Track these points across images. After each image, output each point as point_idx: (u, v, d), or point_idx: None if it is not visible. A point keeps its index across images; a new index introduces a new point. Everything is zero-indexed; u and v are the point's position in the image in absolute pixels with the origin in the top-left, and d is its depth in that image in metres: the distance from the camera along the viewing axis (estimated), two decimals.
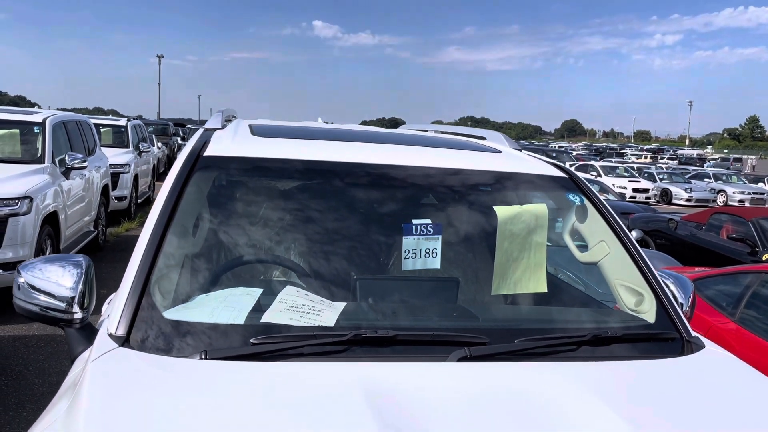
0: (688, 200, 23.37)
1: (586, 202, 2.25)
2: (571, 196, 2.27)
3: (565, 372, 1.59)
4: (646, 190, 24.07)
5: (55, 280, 1.82)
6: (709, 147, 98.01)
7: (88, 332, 1.85)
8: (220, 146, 2.15)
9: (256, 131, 2.45)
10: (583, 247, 2.26)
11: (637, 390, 1.59)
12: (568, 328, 1.88)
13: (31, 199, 5.72)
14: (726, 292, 4.31)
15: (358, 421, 1.27)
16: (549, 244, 2.11)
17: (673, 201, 23.64)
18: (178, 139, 26.82)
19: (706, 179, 26.60)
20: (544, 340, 1.72)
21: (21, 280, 1.84)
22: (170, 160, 21.70)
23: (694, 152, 65.81)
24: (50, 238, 6.29)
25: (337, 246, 2.06)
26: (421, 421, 1.30)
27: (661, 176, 25.93)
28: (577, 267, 3.38)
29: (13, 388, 4.28)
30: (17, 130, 6.84)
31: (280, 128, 2.67)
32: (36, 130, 6.88)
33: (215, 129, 2.43)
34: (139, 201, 12.20)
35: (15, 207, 5.56)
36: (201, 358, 1.51)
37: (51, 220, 6.28)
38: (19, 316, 5.64)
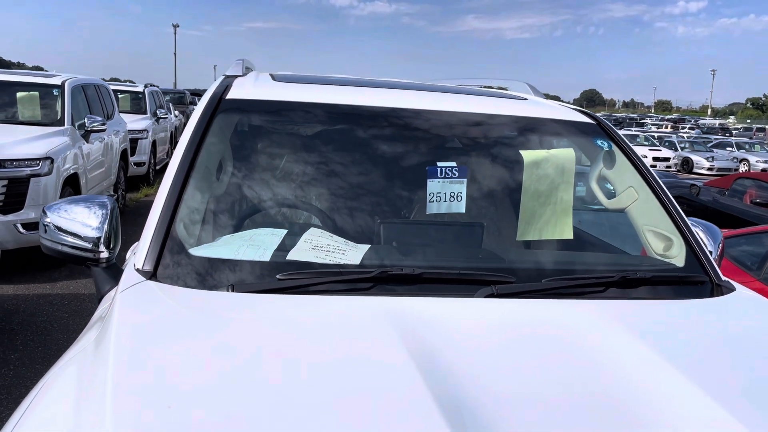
0: (709, 169, 22.98)
1: (615, 147, 2.20)
2: (599, 142, 2.22)
3: (596, 309, 1.57)
4: (666, 159, 23.73)
5: (81, 220, 1.83)
6: (732, 117, 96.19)
7: (115, 271, 1.86)
8: (242, 90, 2.13)
9: (278, 78, 2.42)
10: (611, 195, 2.23)
11: (670, 327, 1.57)
12: (595, 269, 1.86)
13: (52, 160, 5.76)
14: (751, 252, 4.25)
15: (388, 349, 1.27)
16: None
17: (695, 170, 23.28)
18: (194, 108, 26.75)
19: (728, 148, 26.14)
20: (572, 280, 1.70)
21: (47, 220, 1.85)
22: None
23: (716, 122, 64.62)
24: None
25: (361, 190, 2.04)
26: (451, 350, 1.29)
27: (682, 145, 25.51)
28: (600, 229, 3.34)
29: (39, 343, 4.36)
30: (36, 93, 6.87)
31: (302, 76, 2.64)
32: (55, 93, 6.90)
33: (236, 76, 2.40)
34: (158, 167, 12.26)
35: (36, 168, 5.60)
36: (228, 292, 1.51)
37: (71, 182, 6.32)
38: (42, 275, 5.75)
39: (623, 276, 1.72)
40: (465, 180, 1.93)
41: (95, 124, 7.00)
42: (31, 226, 5.56)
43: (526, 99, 2.52)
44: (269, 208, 2.00)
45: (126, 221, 8.31)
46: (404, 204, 2.09)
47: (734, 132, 46.65)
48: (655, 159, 23.34)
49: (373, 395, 1.12)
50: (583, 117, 2.31)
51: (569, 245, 2.04)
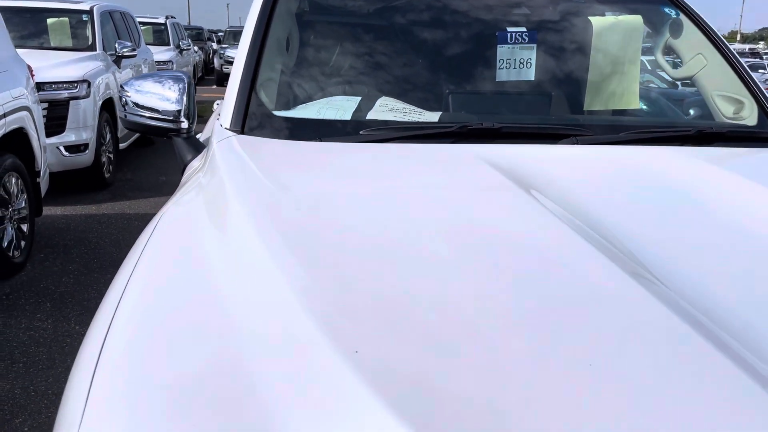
0: None
1: (682, 15, 2.17)
2: (666, 10, 2.19)
3: (686, 153, 1.60)
4: None
5: (161, 93, 1.87)
6: (762, 42, 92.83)
7: (195, 142, 1.92)
8: None
9: None
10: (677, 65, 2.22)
11: (760, 167, 1.59)
12: (670, 126, 1.87)
13: (89, 84, 5.79)
14: None
15: (491, 179, 1.30)
16: None
17: None
18: (213, 44, 26.47)
19: (760, 70, 25.32)
20: (649, 132, 1.72)
21: (128, 94, 1.90)
22: (206, 65, 21.51)
23: (746, 47, 62.45)
24: (108, 125, 6.42)
25: (428, 62, 2.05)
26: (563, 186, 1.30)
27: None
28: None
29: (93, 255, 4.51)
30: (66, 19, 6.85)
31: None
32: (84, 18, 6.87)
33: None
34: None
35: (74, 90, 5.65)
36: (318, 142, 1.56)
37: (107, 108, 6.37)
38: (86, 197, 5.89)
39: (699, 130, 1.74)
40: (534, 46, 1.93)
41: (126, 50, 6.99)
42: (73, 148, 5.66)
43: None
44: (339, 81, 2.03)
45: (158, 150, 8.40)
46: (472, 75, 2.10)
47: (764, 57, 45.08)
48: (684, 84, 22.73)
49: (506, 224, 1.11)
50: None
51: (637, 114, 2.06)
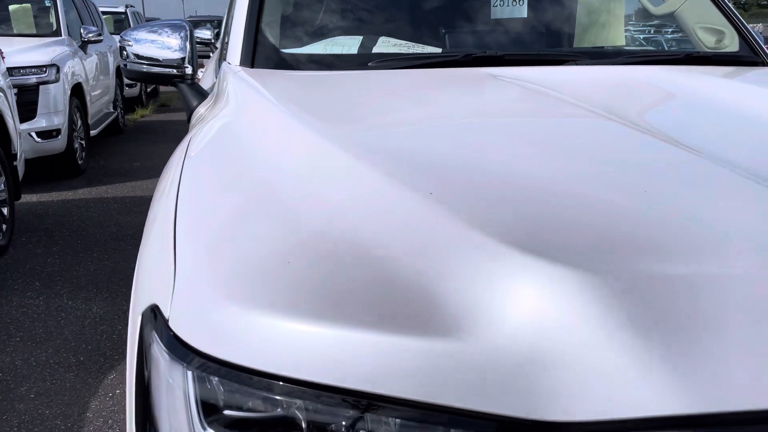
0: None
1: None
2: None
3: (682, 68, 1.68)
4: None
5: (162, 42, 1.89)
6: None
7: (199, 89, 1.94)
8: None
9: None
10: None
11: (752, 77, 1.69)
12: (661, 52, 1.96)
13: (58, 68, 5.69)
14: None
15: (511, 85, 1.36)
16: None
17: None
18: None
19: None
20: (642, 57, 1.81)
21: (129, 44, 1.91)
22: None
23: None
24: (78, 111, 6.31)
25: (425, 3, 2.10)
26: (570, 83, 1.38)
27: (670, 44, 25.29)
28: None
29: (77, 237, 4.47)
30: (29, 5, 6.69)
31: None
32: (47, 4, 6.72)
33: None
34: (148, 90, 12.08)
35: (43, 75, 5.54)
36: (329, 71, 1.60)
37: (76, 93, 6.26)
38: (61, 184, 5.81)
39: (687, 54, 1.83)
40: None
41: (91, 35, 6.87)
42: (45, 134, 5.57)
43: None
44: (339, 23, 2.07)
45: (129, 139, 8.30)
46: (467, 14, 2.15)
47: None
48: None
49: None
50: None
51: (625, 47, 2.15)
